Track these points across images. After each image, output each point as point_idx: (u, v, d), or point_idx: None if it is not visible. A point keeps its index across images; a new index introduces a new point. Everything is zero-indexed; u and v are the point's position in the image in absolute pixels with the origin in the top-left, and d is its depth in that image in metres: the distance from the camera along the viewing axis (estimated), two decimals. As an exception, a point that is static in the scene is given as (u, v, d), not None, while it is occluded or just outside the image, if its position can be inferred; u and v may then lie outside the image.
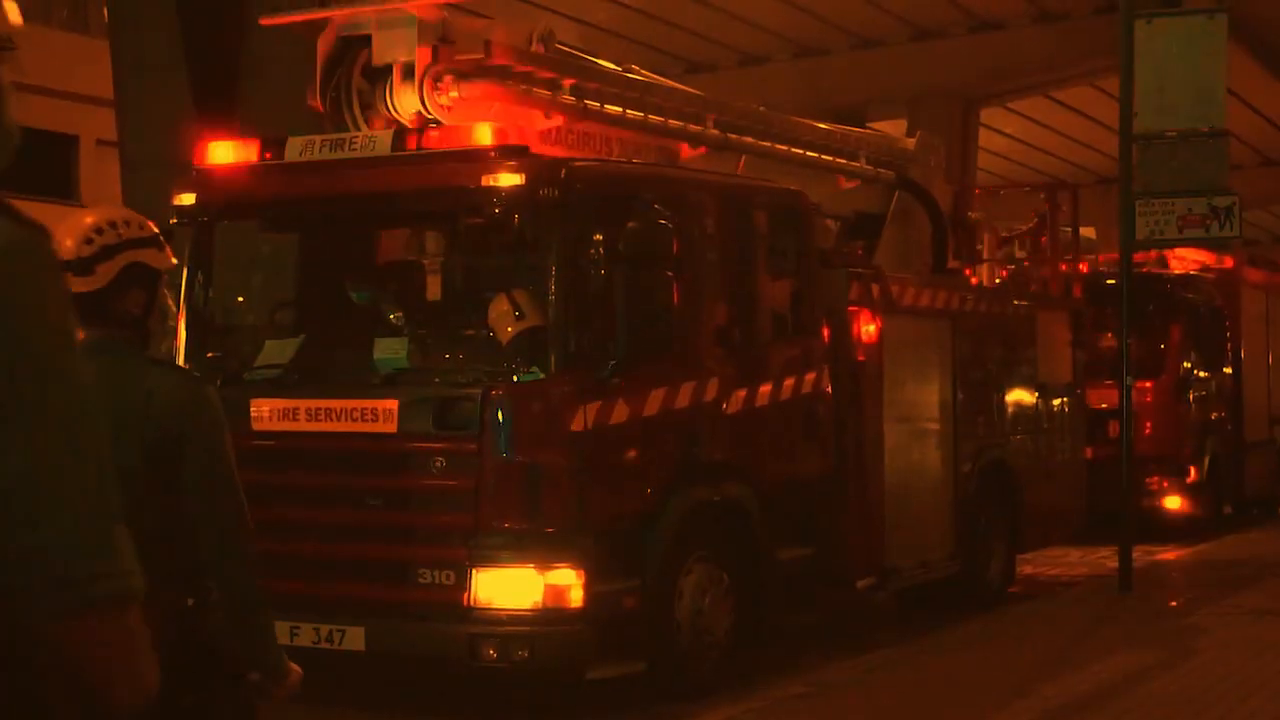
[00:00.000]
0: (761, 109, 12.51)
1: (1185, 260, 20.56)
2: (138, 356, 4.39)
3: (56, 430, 2.26)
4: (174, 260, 4.62)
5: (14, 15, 2.89)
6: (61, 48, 34.12)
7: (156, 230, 4.56)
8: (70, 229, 4.40)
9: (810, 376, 10.76)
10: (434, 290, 9.91)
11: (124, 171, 21.43)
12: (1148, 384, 17.77)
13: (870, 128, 15.13)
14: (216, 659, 4.22)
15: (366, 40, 9.55)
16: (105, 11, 24.11)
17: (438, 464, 8.77)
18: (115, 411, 4.05)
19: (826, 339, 11.04)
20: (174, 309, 5.05)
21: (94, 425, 2.35)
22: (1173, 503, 18.41)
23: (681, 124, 10.93)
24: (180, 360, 9.86)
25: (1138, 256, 15.72)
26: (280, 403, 9.23)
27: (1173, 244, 16.79)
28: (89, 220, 4.49)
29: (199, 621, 4.18)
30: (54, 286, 2.45)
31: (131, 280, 4.36)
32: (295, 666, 4.39)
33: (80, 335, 4.00)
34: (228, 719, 4.28)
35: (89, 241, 4.36)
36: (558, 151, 9.62)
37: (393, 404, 8.88)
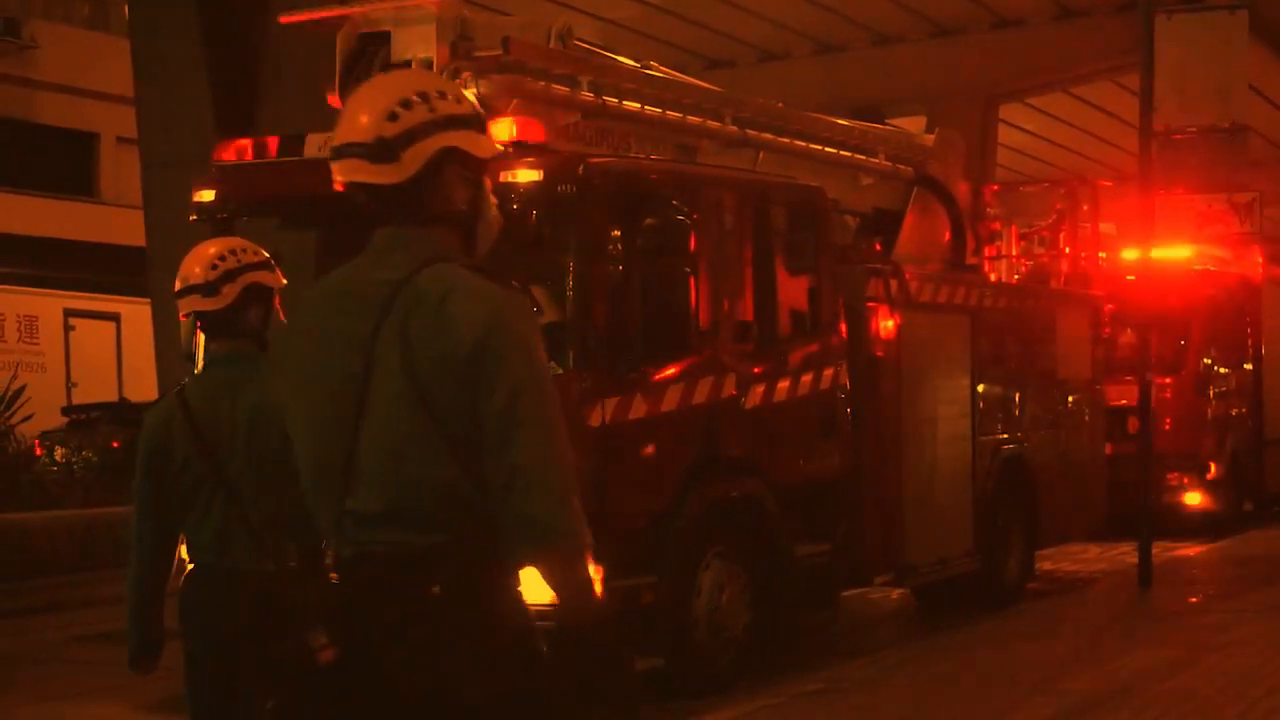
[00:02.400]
0: (780, 105, 12.50)
1: (1205, 256, 20.51)
2: (258, 363, 5.05)
3: (545, 433, 3.20)
4: (284, 280, 5.30)
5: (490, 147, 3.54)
6: (82, 46, 34.25)
7: (267, 255, 5.26)
8: (197, 258, 5.13)
9: (828, 373, 10.76)
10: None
11: (144, 169, 21.47)
12: (1168, 380, 17.73)
13: (889, 124, 15.10)
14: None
15: (385, 37, 9.56)
16: (126, 10, 24.14)
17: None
18: (241, 411, 4.92)
19: (844, 335, 11.04)
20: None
21: (562, 430, 3.24)
22: (1193, 499, 18.38)
23: (700, 120, 10.93)
24: (199, 358, 9.90)
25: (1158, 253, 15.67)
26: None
27: (1192, 240, 16.75)
28: (212, 250, 5.19)
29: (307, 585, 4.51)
30: (537, 330, 3.33)
31: (251, 298, 5.13)
32: None
33: (212, 347, 5.09)
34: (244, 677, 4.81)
35: (214, 267, 5.11)
36: (575, 148, 9.62)
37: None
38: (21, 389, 18.45)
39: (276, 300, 5.23)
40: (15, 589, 14.42)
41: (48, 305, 30.94)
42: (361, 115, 3.38)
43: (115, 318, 31.38)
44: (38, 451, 21.07)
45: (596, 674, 3.24)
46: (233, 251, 5.18)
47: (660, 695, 9.27)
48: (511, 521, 3.19)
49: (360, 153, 3.36)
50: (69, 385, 30.56)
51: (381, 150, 3.34)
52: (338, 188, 3.46)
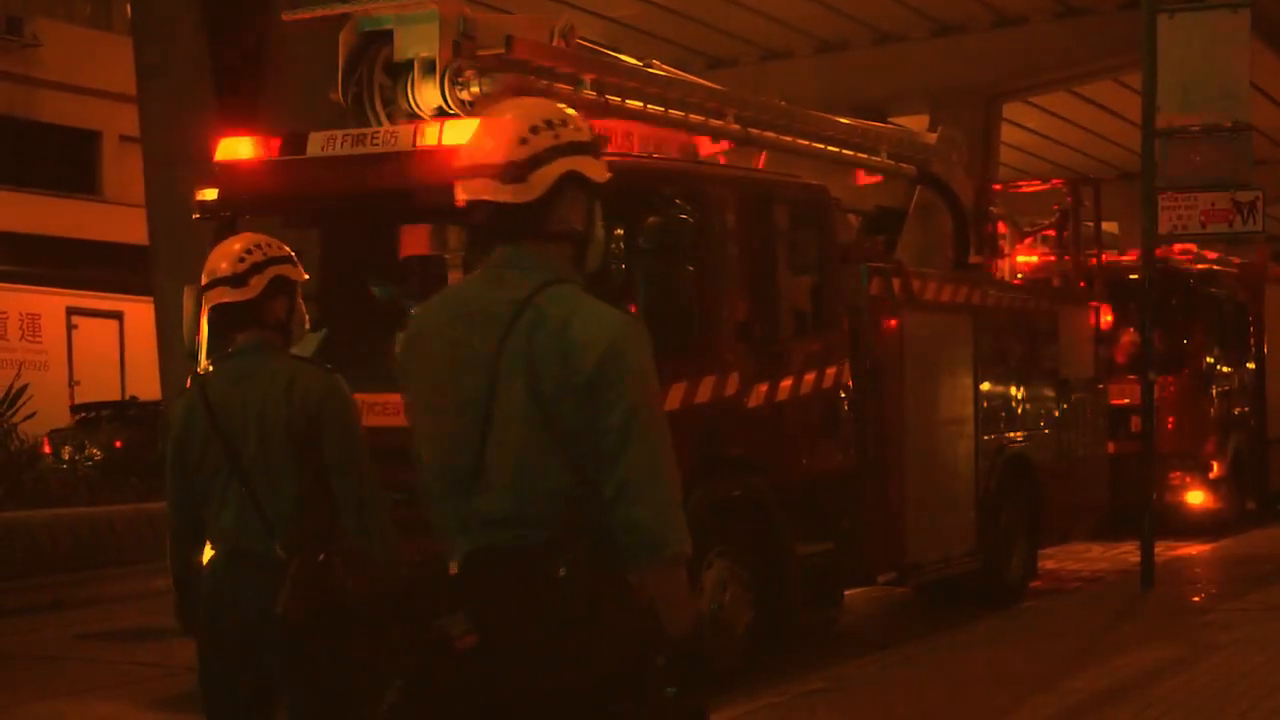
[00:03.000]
0: (783, 104, 12.50)
1: (1208, 255, 20.51)
2: (281, 353, 5.31)
3: (654, 450, 3.55)
4: (306, 275, 5.53)
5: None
6: (85, 44, 34.27)
7: (290, 250, 5.45)
8: (223, 253, 5.35)
9: (831, 371, 10.76)
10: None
11: (147, 167, 21.48)
12: (1170, 379, 17.72)
13: (892, 122, 15.11)
14: (343, 607, 5.02)
15: (388, 36, 9.57)
16: (129, 8, 24.15)
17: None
18: (263, 400, 5.13)
19: (847, 334, 11.04)
20: (308, 315, 5.71)
21: (669, 448, 3.59)
22: (1195, 498, 18.37)
23: (703, 119, 10.94)
24: (202, 356, 9.92)
25: (1160, 251, 15.67)
26: (302, 397, 9.25)
27: (1195, 239, 16.73)
28: (238, 245, 5.39)
29: (328, 575, 5.01)
30: (650, 354, 3.61)
31: (276, 290, 5.31)
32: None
33: (237, 338, 5.31)
34: (342, 658, 5.08)
35: (241, 260, 5.31)
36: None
37: (414, 399, 8.89)
38: (24, 388, 18.45)
39: (299, 294, 5.45)
40: (19, 587, 14.42)
41: (50, 303, 30.95)
42: (492, 139, 3.70)
43: (118, 316, 31.40)
44: (46, 449, 21.08)
45: (687, 672, 3.65)
46: (258, 246, 5.37)
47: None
48: (621, 528, 3.54)
49: (492, 173, 3.67)
50: (72, 384, 30.57)
51: (512, 172, 3.65)
52: (459, 204, 3.79)
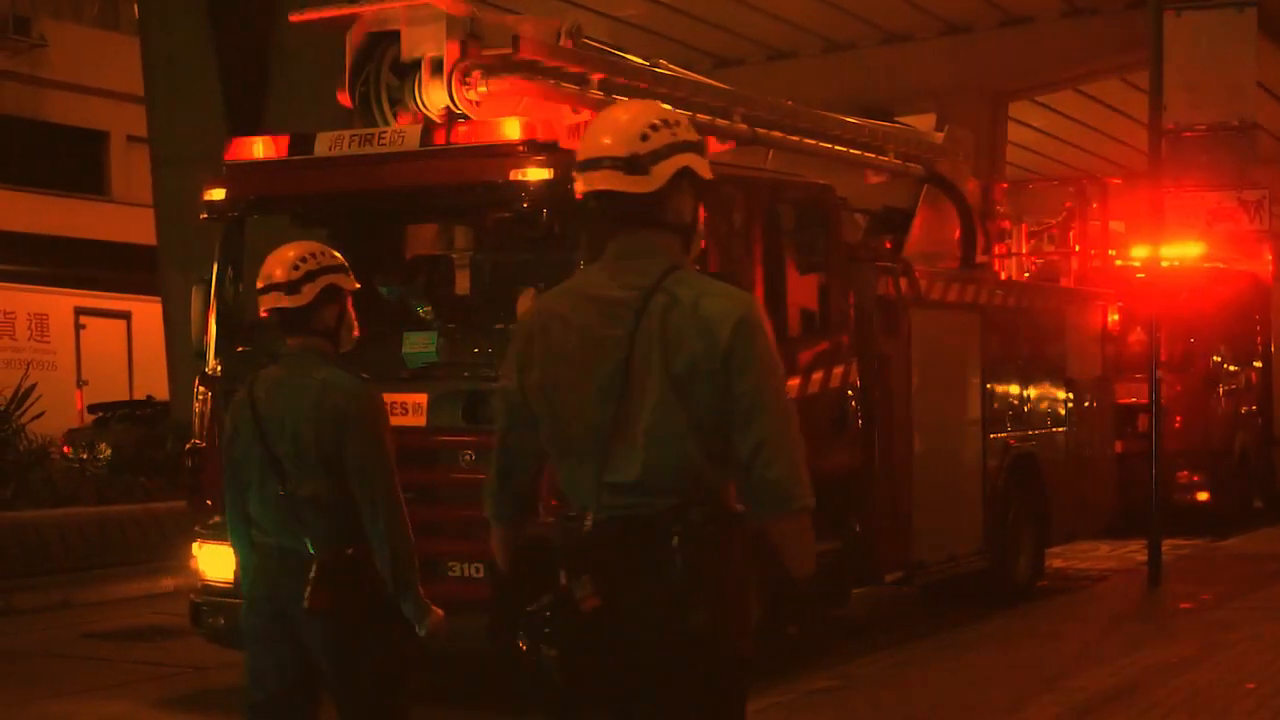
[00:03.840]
0: (790, 103, 12.50)
1: (1215, 254, 20.51)
2: (322, 359, 5.56)
3: (782, 413, 3.92)
4: (357, 284, 5.74)
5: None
6: (92, 44, 34.32)
7: (342, 259, 5.69)
8: (278, 260, 5.59)
9: (837, 370, 10.76)
10: (463, 284, 9.94)
11: (154, 167, 21.55)
12: (1177, 378, 17.72)
13: (899, 122, 15.09)
14: (374, 597, 5.36)
15: (395, 36, 9.58)
16: (136, 8, 24.20)
17: (467, 457, 8.80)
18: (298, 404, 5.43)
19: (854, 333, 11.04)
20: (358, 322, 5.89)
21: (794, 412, 3.97)
22: (1202, 497, 18.37)
23: (709, 118, 10.93)
24: (211, 355, 9.95)
25: (1166, 250, 15.68)
26: (310, 397, 9.28)
27: (1202, 238, 16.74)
28: (292, 253, 5.62)
29: (356, 568, 5.35)
30: (771, 344, 3.96)
31: (327, 298, 5.57)
32: (438, 610, 5.47)
33: (287, 342, 5.61)
34: (382, 645, 5.42)
35: (295, 268, 5.56)
36: (586, 146, 9.62)
37: (422, 398, 8.92)
38: (32, 387, 18.47)
39: (349, 302, 5.69)
40: (27, 586, 14.45)
41: (58, 303, 31.01)
42: (613, 135, 4.02)
43: (126, 316, 31.46)
44: (65, 450, 21.08)
45: (807, 612, 4.25)
46: (313, 254, 5.62)
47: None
48: (755, 486, 3.92)
49: (616, 165, 3.97)
50: (80, 383, 30.62)
51: (635, 164, 3.96)
52: (578, 195, 4.07)
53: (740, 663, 4.05)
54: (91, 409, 26.95)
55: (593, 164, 4.03)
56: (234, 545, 5.76)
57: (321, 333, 5.60)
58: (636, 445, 3.92)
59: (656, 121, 4.03)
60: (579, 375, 4.00)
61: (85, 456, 21.38)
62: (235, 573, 9.48)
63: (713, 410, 3.90)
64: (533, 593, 4.04)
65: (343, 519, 5.39)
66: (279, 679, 5.50)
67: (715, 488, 3.97)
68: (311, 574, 5.32)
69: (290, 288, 5.55)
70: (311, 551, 5.37)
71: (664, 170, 3.99)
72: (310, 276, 5.56)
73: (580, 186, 4.05)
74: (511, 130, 8.97)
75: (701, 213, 4.21)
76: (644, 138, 3.99)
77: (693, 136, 4.08)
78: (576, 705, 4.08)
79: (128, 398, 28.96)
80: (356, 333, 5.78)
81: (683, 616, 3.89)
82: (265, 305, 5.64)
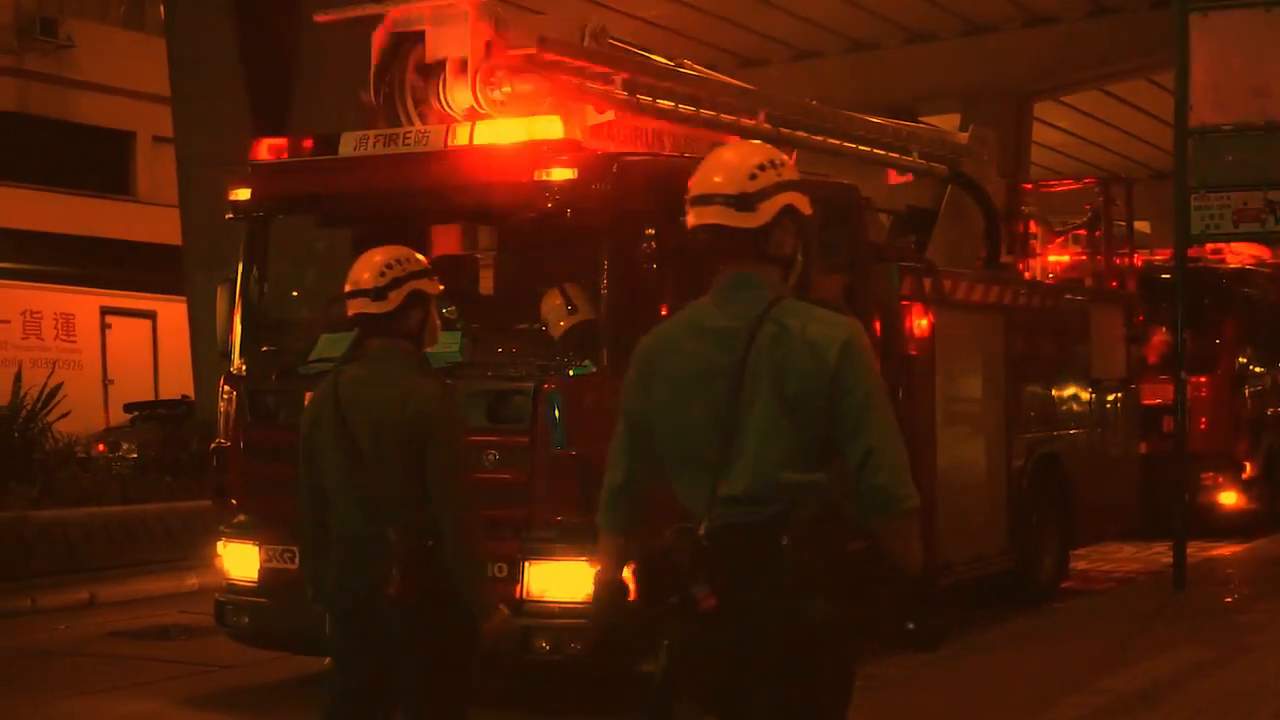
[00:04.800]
0: (814, 103, 12.50)
1: (1241, 255, 20.42)
2: (407, 363, 5.79)
3: (888, 424, 4.26)
4: (441, 287, 5.97)
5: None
6: (119, 45, 34.42)
7: (427, 263, 5.93)
8: (365, 265, 5.83)
9: (862, 371, 10.72)
10: (486, 284, 9.95)
11: (180, 167, 21.61)
12: (1202, 379, 17.65)
13: (923, 122, 15.09)
14: (449, 589, 5.62)
15: (420, 36, 9.60)
16: (162, 9, 24.28)
17: (490, 457, 8.80)
18: (384, 403, 5.66)
19: (878, 333, 11.02)
20: (441, 328, 6.21)
21: (897, 422, 4.31)
22: (1228, 498, 18.28)
23: (734, 118, 10.94)
24: (236, 355, 9.97)
25: (1192, 251, 15.62)
26: (334, 396, 9.30)
27: (1228, 238, 16.67)
28: (379, 258, 5.84)
29: (436, 558, 5.60)
30: (874, 363, 4.33)
31: (412, 303, 5.79)
32: (502, 607, 5.84)
33: (373, 343, 5.85)
34: (455, 633, 5.68)
35: (382, 274, 5.78)
36: (610, 146, 9.64)
37: (446, 398, 8.92)
38: (59, 387, 18.54)
39: (433, 305, 5.91)
40: (53, 584, 14.51)
41: (84, 303, 31.10)
42: (723, 174, 4.39)
43: (151, 315, 31.53)
44: (100, 448, 21.11)
45: (910, 609, 4.53)
46: (399, 260, 5.83)
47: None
48: (864, 491, 4.24)
49: (726, 202, 4.34)
50: (105, 383, 30.72)
51: (743, 201, 4.32)
52: (689, 227, 4.44)
53: (853, 650, 4.39)
54: (128, 408, 27.02)
55: (704, 200, 4.39)
56: (305, 532, 6.00)
57: (405, 335, 5.81)
58: (747, 462, 4.27)
59: (764, 162, 4.39)
60: (693, 399, 4.37)
61: (111, 455, 21.43)
62: (258, 571, 9.60)
63: (821, 426, 4.25)
64: (655, 599, 4.40)
65: (422, 513, 5.63)
66: (359, 669, 5.77)
67: (820, 494, 4.30)
68: (396, 563, 5.56)
69: (376, 294, 5.77)
70: (394, 540, 5.60)
71: (769, 207, 4.34)
72: (396, 283, 5.77)
73: (692, 220, 4.43)
74: (536, 130, 8.98)
75: (801, 246, 4.52)
76: (752, 177, 4.35)
77: (795, 176, 4.44)
78: (673, 705, 4.39)
79: (153, 397, 29.02)
80: (440, 334, 5.99)
81: (800, 608, 4.21)
82: (351, 310, 5.86)
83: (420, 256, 5.96)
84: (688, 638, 4.34)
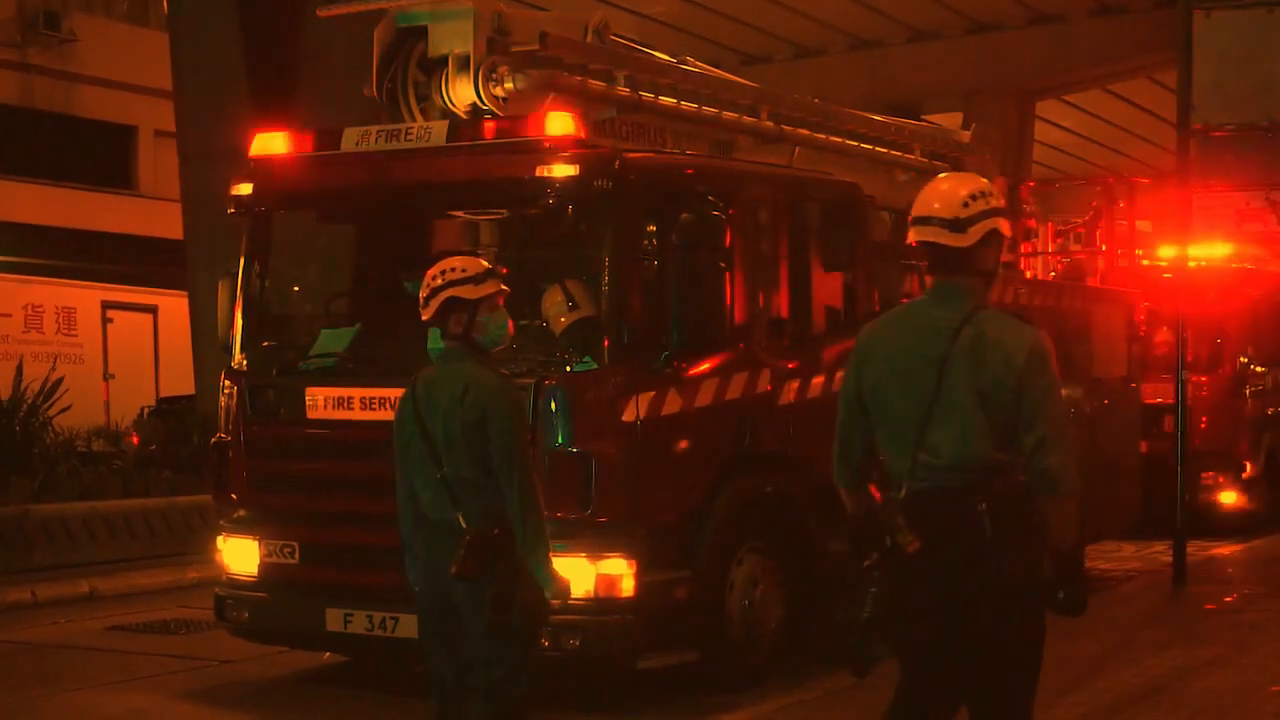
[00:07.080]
0: (816, 101, 12.49)
1: (1243, 254, 20.41)
2: (469, 359, 6.31)
3: (1060, 413, 5.20)
4: (488, 289, 6.34)
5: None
6: (122, 40, 34.40)
7: (471, 271, 6.36)
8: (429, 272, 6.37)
9: (863, 369, 10.72)
10: (488, 281, 9.93)
11: (182, 162, 21.61)
12: (1204, 378, 17.64)
13: (925, 120, 15.09)
14: (516, 570, 6.16)
15: (423, 32, 9.60)
16: (165, 4, 24.26)
17: (491, 453, 8.80)
18: (449, 399, 6.23)
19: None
20: (496, 333, 6.55)
21: (1068, 414, 5.33)
22: (1228, 498, 18.29)
23: (736, 116, 10.94)
24: (237, 349, 9.97)
25: (1193, 251, 15.61)
26: (335, 391, 9.31)
27: (1230, 238, 16.67)
28: (427, 271, 6.42)
29: (503, 545, 6.16)
30: (1054, 366, 5.20)
31: (450, 309, 6.29)
32: (564, 578, 6.39)
33: (444, 344, 6.40)
34: (520, 612, 6.18)
35: (427, 287, 6.34)
36: (611, 143, 9.63)
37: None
38: (59, 380, 18.53)
39: (480, 307, 6.31)
40: (54, 579, 14.52)
41: (86, 297, 31.05)
42: (941, 201, 5.24)
43: (153, 310, 31.49)
44: (134, 440, 21.01)
45: (1065, 578, 5.16)
46: (442, 272, 6.34)
47: (694, 690, 9.29)
48: (1034, 472, 5.09)
49: (942, 224, 5.22)
50: (106, 377, 30.70)
51: (957, 225, 5.20)
52: (910, 242, 5.31)
53: (1041, 600, 5.17)
54: (161, 402, 27.02)
55: (924, 221, 5.26)
56: (401, 523, 6.52)
57: (456, 337, 6.31)
58: (948, 434, 5.14)
59: (976, 191, 5.25)
60: (902, 383, 5.23)
61: (110, 450, 21.39)
62: (258, 566, 9.60)
63: (1006, 414, 5.10)
64: (863, 550, 5.27)
65: (493, 500, 6.18)
66: (452, 651, 6.33)
67: (1006, 470, 5.13)
68: (464, 547, 6.10)
69: (421, 304, 6.32)
70: (465, 527, 6.15)
71: (977, 231, 5.20)
72: (434, 293, 6.29)
73: (913, 236, 5.29)
74: (538, 126, 8.98)
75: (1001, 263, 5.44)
76: (965, 205, 5.21)
77: (1000, 204, 5.29)
78: (878, 639, 5.35)
79: (154, 392, 29.00)
80: (481, 335, 6.36)
81: (996, 563, 5.08)
82: (425, 314, 6.34)
83: (468, 266, 6.41)
84: (892, 588, 5.19)
